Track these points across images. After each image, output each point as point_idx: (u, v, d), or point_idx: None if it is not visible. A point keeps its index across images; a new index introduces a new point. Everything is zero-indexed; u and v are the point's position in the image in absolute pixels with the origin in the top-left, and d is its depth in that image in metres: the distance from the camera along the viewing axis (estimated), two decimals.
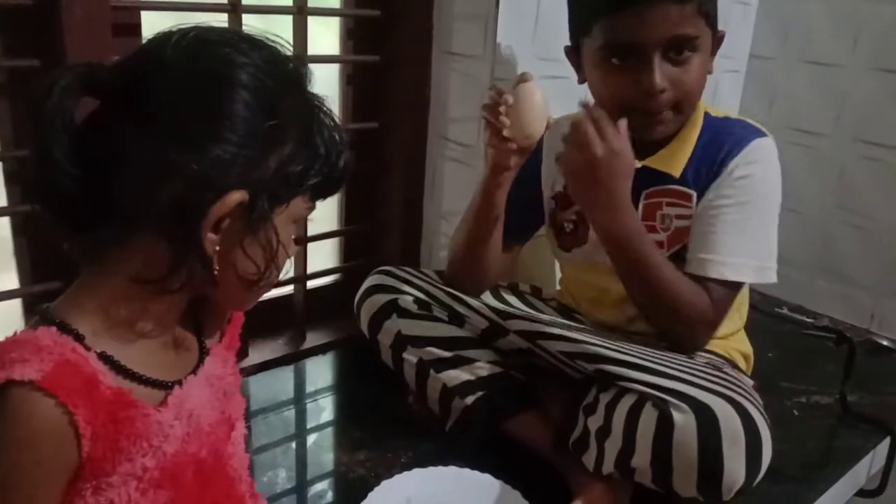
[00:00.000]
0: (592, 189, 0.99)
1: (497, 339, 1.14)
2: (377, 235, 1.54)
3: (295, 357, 1.42)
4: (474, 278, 1.18)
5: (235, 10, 1.19)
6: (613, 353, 1.00)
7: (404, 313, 1.15)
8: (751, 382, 1.11)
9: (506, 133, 0.98)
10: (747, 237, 1.04)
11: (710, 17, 1.02)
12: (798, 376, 1.42)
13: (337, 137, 0.65)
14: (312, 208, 0.67)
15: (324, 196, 0.67)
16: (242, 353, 1.34)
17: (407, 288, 1.17)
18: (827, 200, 1.74)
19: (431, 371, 1.13)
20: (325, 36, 1.41)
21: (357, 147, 1.47)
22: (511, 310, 1.15)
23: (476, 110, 1.30)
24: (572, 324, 1.15)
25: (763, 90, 1.84)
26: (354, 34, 1.41)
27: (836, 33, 1.70)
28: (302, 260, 1.41)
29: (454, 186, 1.44)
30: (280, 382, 1.36)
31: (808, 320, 1.63)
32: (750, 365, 1.21)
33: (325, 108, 0.65)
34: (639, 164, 1.08)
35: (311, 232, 1.44)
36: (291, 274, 1.19)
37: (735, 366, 1.14)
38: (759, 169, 1.05)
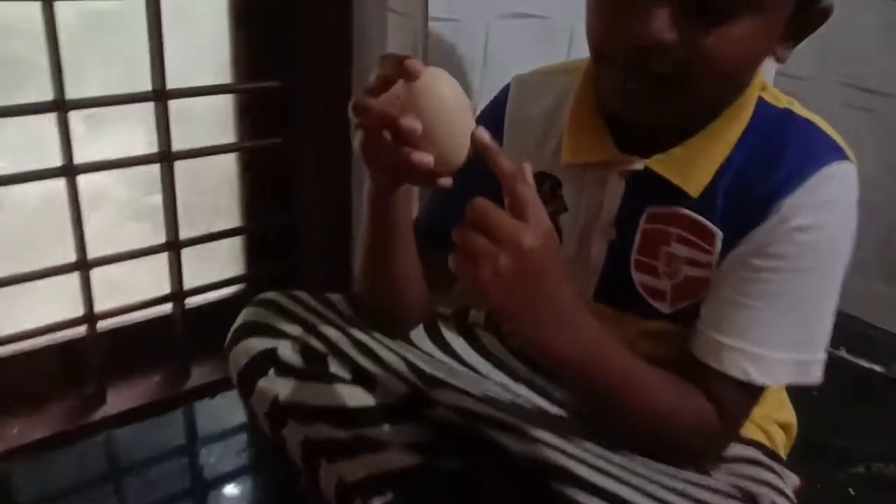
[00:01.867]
0: (529, 303, 0.58)
1: (423, 408, 0.77)
2: (291, 232, 1.16)
3: (174, 401, 1.06)
4: (389, 315, 0.80)
5: None
6: (581, 471, 0.62)
7: (285, 369, 0.77)
8: (794, 482, 0.75)
9: (414, 158, 0.56)
10: (793, 321, 0.66)
11: None
12: (856, 433, 1.04)
13: None
14: None
15: None
16: (98, 400, 0.99)
17: (293, 328, 0.80)
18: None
19: (322, 460, 0.76)
20: None
21: (254, 114, 1.08)
22: (441, 370, 0.77)
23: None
24: (532, 398, 0.78)
25: (811, 39, 1.42)
26: None
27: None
28: (176, 267, 1.03)
29: None
30: (152, 436, 1.01)
31: (878, 369, 1.22)
32: (792, 436, 0.84)
33: None
34: (640, 165, 0.69)
35: (199, 230, 1.06)
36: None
37: (773, 454, 0.77)
38: (831, 217, 0.65)
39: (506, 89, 0.82)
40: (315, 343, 0.79)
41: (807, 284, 0.65)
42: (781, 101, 0.71)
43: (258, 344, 0.79)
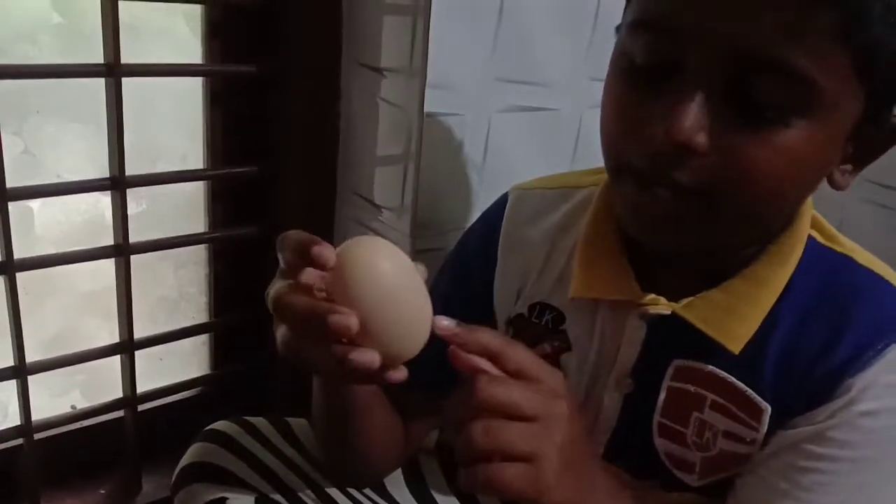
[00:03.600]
0: (582, 477, 0.48)
1: None
2: (261, 329, 1.04)
3: None
4: (356, 472, 0.69)
5: None
6: None
7: None
8: None
9: (354, 358, 0.43)
10: None
11: (876, 77, 0.47)
12: None
13: None
14: None
15: None
16: None
17: (246, 472, 0.68)
18: None
19: None
20: (180, 33, 0.91)
21: (229, 200, 0.98)
22: None
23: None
24: None
25: None
26: (222, 30, 0.91)
27: None
28: (129, 370, 0.92)
29: None
30: None
31: None
32: None
33: None
34: (667, 310, 0.58)
35: (159, 328, 0.95)
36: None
37: None
38: None
39: (502, 202, 0.71)
40: (271, 492, 0.68)
41: (871, 477, 0.54)
42: (839, 242, 0.59)
43: (206, 492, 0.68)
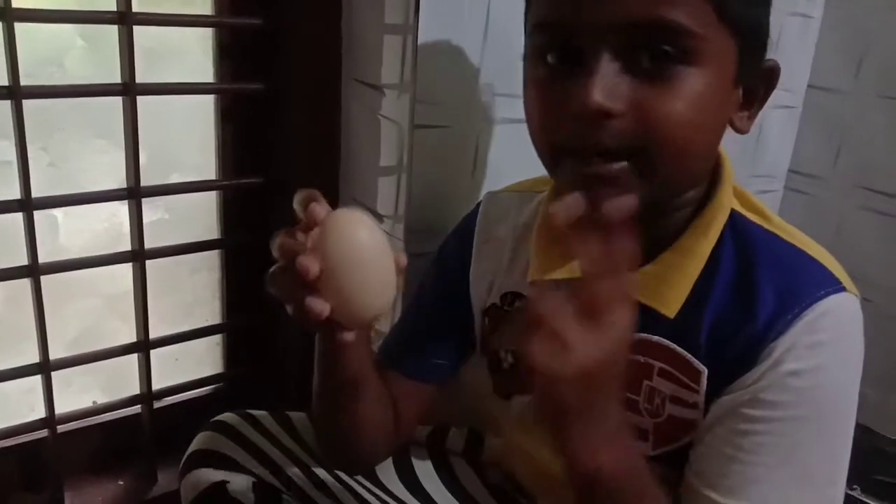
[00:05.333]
0: (598, 404, 0.51)
1: None
2: (271, 331, 1.11)
3: None
4: (349, 455, 0.74)
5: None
6: None
7: None
8: None
9: (307, 303, 0.51)
10: (798, 474, 0.58)
11: (736, 19, 0.55)
12: None
13: None
14: None
15: None
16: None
17: (247, 460, 0.74)
18: None
19: None
20: (193, 54, 0.99)
21: (238, 209, 1.04)
22: None
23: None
24: None
25: (826, 134, 1.35)
26: (230, 52, 0.98)
27: None
28: (145, 369, 0.98)
29: None
30: None
31: None
32: None
33: None
34: None
35: (174, 326, 1.02)
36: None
37: None
38: (829, 359, 0.58)
39: (477, 206, 0.78)
40: (269, 477, 0.73)
41: (808, 434, 0.58)
42: (766, 216, 0.64)
43: (209, 476, 0.74)
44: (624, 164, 0.55)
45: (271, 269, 0.53)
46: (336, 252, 0.50)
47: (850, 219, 1.37)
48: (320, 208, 0.52)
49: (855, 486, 1.15)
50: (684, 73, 0.54)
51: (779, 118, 1.34)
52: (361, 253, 0.51)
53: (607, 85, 0.53)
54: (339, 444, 0.71)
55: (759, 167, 1.35)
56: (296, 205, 0.53)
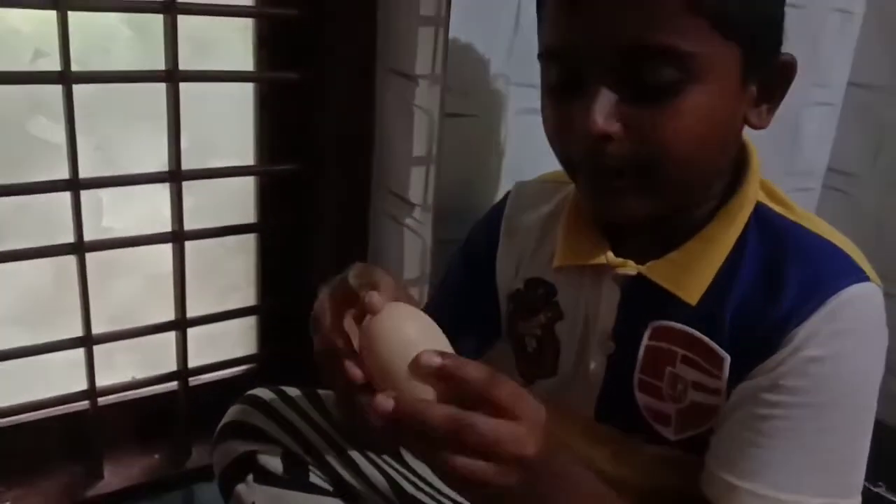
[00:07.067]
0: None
1: None
2: (305, 315, 1.13)
3: (175, 482, 1.03)
4: (374, 439, 0.76)
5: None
6: None
7: (264, 475, 0.74)
8: None
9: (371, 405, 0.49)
10: (812, 462, 0.59)
11: (734, 26, 0.55)
12: None
13: None
14: None
15: None
16: (96, 476, 0.98)
17: (277, 431, 0.77)
18: None
19: None
20: (234, 43, 1.02)
21: (274, 195, 1.07)
22: (426, 495, 0.73)
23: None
24: None
25: (866, 132, 1.34)
26: (269, 42, 1.01)
27: None
28: (182, 346, 1.02)
29: (406, 253, 1.02)
30: None
31: None
32: None
33: None
34: (633, 271, 0.66)
35: (211, 308, 1.05)
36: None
37: None
38: (850, 347, 0.59)
39: (506, 195, 0.81)
40: (297, 450, 0.76)
41: (826, 421, 0.59)
42: (791, 208, 0.65)
43: (239, 447, 0.76)
44: (631, 180, 0.59)
45: (318, 346, 0.56)
46: (391, 351, 0.50)
47: (891, 218, 1.35)
48: (379, 299, 0.51)
49: (880, 484, 1.13)
50: (683, 91, 0.55)
51: (817, 115, 1.32)
52: (409, 349, 0.50)
53: (606, 109, 0.56)
54: (362, 427, 0.74)
55: (796, 164, 1.34)
56: (352, 279, 0.55)
